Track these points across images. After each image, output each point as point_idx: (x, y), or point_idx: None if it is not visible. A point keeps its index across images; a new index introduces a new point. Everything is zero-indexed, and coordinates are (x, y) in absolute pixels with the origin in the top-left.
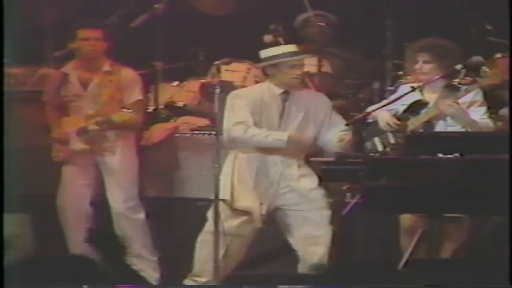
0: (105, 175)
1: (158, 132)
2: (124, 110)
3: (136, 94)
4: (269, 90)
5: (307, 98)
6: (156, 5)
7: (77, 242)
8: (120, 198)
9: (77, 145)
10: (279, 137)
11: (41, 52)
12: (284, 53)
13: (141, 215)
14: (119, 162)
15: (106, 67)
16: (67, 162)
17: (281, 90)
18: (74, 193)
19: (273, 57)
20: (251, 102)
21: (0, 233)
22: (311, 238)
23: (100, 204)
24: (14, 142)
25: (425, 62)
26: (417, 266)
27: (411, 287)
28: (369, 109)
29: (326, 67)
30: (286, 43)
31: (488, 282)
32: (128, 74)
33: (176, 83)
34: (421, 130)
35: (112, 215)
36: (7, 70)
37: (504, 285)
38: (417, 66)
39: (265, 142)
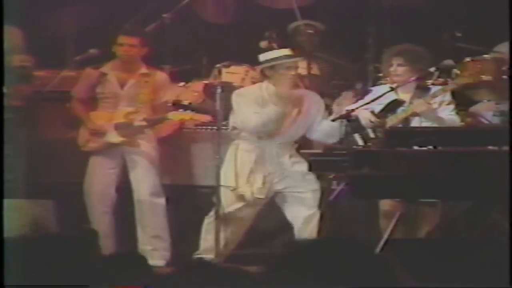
0: (131, 164)
1: (166, 127)
2: (180, 110)
3: (168, 95)
4: (267, 89)
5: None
6: (164, 15)
7: (102, 225)
8: (146, 184)
9: (115, 137)
10: None
11: (63, 57)
12: (280, 56)
13: (163, 200)
14: (145, 152)
15: (143, 69)
16: (97, 151)
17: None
18: (101, 180)
19: (271, 60)
20: (253, 99)
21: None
22: (305, 216)
23: (123, 190)
24: (39, 135)
25: (399, 65)
26: (395, 245)
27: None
28: (351, 107)
29: (315, 70)
30: (280, 48)
31: (488, 282)
32: (162, 77)
33: (182, 83)
34: (398, 126)
35: (135, 200)
36: (35, 72)
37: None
38: (391, 69)
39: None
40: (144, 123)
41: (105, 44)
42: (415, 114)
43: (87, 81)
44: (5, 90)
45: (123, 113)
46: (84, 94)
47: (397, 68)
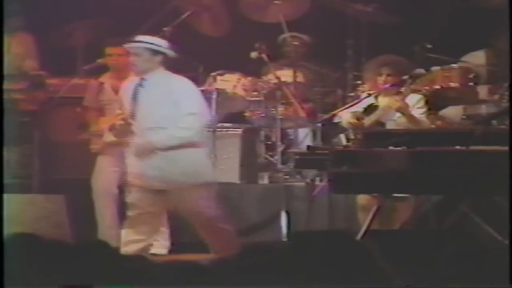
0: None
1: None
2: None
3: None
4: None
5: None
6: (164, 28)
7: (105, 217)
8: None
9: (108, 138)
10: None
11: (74, 66)
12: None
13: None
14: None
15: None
16: (101, 152)
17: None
18: (106, 178)
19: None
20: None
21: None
22: None
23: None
24: (52, 137)
25: (388, 75)
26: (372, 236)
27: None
28: (335, 111)
29: (300, 78)
30: (269, 59)
31: (488, 282)
32: None
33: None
34: (375, 128)
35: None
36: (48, 80)
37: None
38: (382, 78)
39: None
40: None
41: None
42: (387, 115)
43: (92, 91)
44: (19, 95)
45: (114, 116)
46: (90, 102)
47: (387, 78)
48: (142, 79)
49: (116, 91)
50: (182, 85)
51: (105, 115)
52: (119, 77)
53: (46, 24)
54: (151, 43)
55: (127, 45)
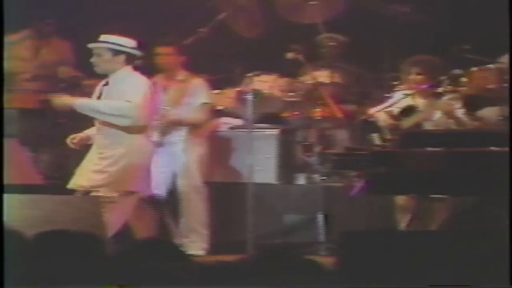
0: (177, 161)
1: (206, 128)
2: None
3: (203, 98)
4: None
5: None
6: (201, 29)
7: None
8: (189, 180)
9: (156, 137)
10: None
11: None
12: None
13: (203, 195)
14: (190, 150)
15: (181, 76)
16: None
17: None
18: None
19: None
20: None
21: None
22: None
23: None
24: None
25: (417, 74)
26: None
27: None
28: (371, 111)
29: (337, 78)
30: (306, 59)
31: (488, 282)
32: (198, 81)
33: (217, 91)
34: (413, 128)
35: (181, 196)
36: (84, 82)
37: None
38: (411, 77)
39: None
40: (178, 124)
41: (149, 56)
42: (427, 118)
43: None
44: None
45: (162, 115)
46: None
47: (416, 77)
48: (105, 80)
49: (165, 90)
50: (133, 79)
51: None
52: (168, 76)
53: (82, 26)
54: (112, 43)
55: (90, 45)
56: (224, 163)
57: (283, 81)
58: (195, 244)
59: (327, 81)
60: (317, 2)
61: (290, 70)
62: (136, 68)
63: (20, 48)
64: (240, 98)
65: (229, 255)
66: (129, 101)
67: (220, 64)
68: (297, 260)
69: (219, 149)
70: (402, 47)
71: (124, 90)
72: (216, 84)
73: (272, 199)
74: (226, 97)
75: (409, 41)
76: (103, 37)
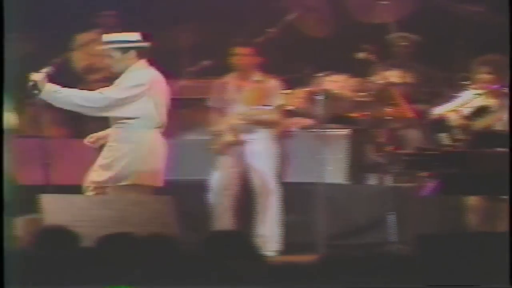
0: (251, 161)
1: (278, 128)
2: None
3: (278, 99)
4: None
5: None
6: (269, 30)
7: (225, 217)
8: (263, 181)
9: (228, 137)
10: None
11: (181, 68)
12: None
13: (278, 195)
14: (263, 150)
15: (257, 77)
16: (221, 152)
17: None
18: (226, 178)
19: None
20: None
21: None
22: None
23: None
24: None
25: (487, 73)
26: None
27: None
28: (441, 110)
29: (408, 78)
30: (377, 59)
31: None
32: (274, 83)
33: (287, 91)
34: (484, 128)
35: (254, 195)
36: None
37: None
38: (481, 77)
39: None
40: (244, 123)
41: (218, 56)
42: (501, 117)
43: (215, 92)
44: None
45: (235, 116)
46: (215, 103)
47: (486, 76)
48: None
49: (239, 90)
50: (132, 73)
51: (226, 114)
52: (243, 77)
53: (154, 26)
54: (119, 41)
55: (100, 47)
56: (295, 163)
57: (353, 81)
58: (268, 244)
59: (398, 81)
60: (388, 1)
61: (360, 70)
62: (151, 63)
63: (91, 48)
64: (311, 98)
65: (300, 255)
66: (100, 93)
67: (289, 64)
68: (368, 260)
69: (290, 149)
70: (473, 47)
71: (118, 82)
72: (286, 84)
73: (343, 199)
74: (296, 97)
75: (480, 41)
76: (106, 38)
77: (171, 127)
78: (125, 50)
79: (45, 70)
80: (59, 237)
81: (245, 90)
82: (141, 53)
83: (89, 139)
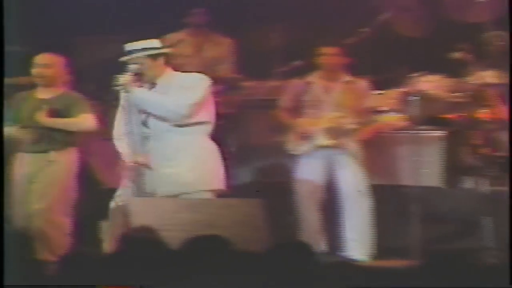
0: (339, 164)
1: (365, 131)
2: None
3: (370, 102)
4: None
5: None
6: (362, 29)
7: (311, 221)
8: (353, 183)
9: (325, 141)
10: None
11: (270, 68)
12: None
13: (368, 198)
14: (352, 153)
15: (346, 77)
16: (305, 154)
17: None
18: (310, 180)
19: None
20: None
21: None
22: None
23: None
24: (248, 140)
25: None
26: None
27: None
28: None
29: (505, 79)
30: (472, 59)
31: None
32: (364, 84)
33: (380, 91)
34: None
35: (342, 199)
36: (244, 83)
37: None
38: None
39: None
40: (353, 126)
41: (308, 56)
42: None
43: (293, 91)
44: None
45: (330, 118)
46: (290, 103)
47: None
48: (152, 84)
49: (327, 92)
50: (189, 79)
51: (307, 116)
52: (329, 77)
53: (243, 26)
54: (146, 48)
55: (124, 59)
56: (388, 165)
57: (448, 82)
58: (359, 249)
59: (494, 81)
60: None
61: (456, 70)
62: (175, 69)
63: (181, 47)
64: (404, 99)
65: (393, 260)
66: (185, 98)
67: (382, 65)
68: (465, 266)
69: (383, 151)
70: None
71: (186, 89)
72: (378, 85)
73: (438, 202)
74: (389, 98)
75: None
76: (133, 45)
77: (260, 129)
78: (154, 57)
79: (132, 72)
80: (146, 239)
81: (335, 91)
82: (167, 59)
83: (137, 160)
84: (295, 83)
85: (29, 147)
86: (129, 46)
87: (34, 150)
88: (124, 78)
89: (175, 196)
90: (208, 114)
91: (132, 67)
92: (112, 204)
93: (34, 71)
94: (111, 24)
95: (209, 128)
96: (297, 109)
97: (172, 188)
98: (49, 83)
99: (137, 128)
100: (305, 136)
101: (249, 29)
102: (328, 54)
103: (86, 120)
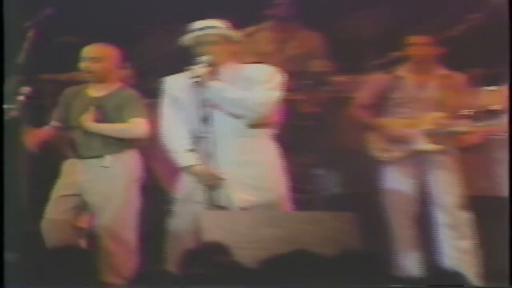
0: (435, 172)
1: (473, 134)
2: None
3: (478, 98)
4: None
5: None
6: (470, 16)
7: (404, 238)
8: (450, 194)
9: (427, 145)
10: None
11: (362, 61)
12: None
13: (467, 211)
14: (449, 160)
15: (441, 71)
16: (395, 161)
17: None
18: (403, 191)
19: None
20: None
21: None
22: None
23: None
24: (338, 143)
25: None
26: None
27: None
28: None
29: None
30: None
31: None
32: (463, 79)
33: (491, 88)
34: None
35: (438, 211)
36: (333, 78)
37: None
38: None
39: None
40: (459, 129)
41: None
42: None
43: (376, 87)
44: (299, 96)
45: (431, 119)
46: (370, 100)
47: None
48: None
49: (420, 87)
50: (262, 70)
51: (395, 115)
52: (421, 70)
53: (329, 16)
54: (212, 27)
55: (197, 33)
56: (493, 174)
57: None
58: (465, 266)
59: None
60: None
61: None
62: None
63: (260, 42)
64: None
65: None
66: (265, 96)
67: (492, 56)
68: None
69: (488, 157)
70: None
71: (260, 83)
72: (488, 80)
73: None
74: (503, 96)
75: None
76: (209, 23)
77: (349, 130)
78: (228, 39)
79: (206, 63)
80: (219, 258)
81: (429, 87)
82: (237, 48)
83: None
84: (379, 78)
85: (79, 151)
86: (206, 24)
87: (85, 155)
88: (200, 70)
89: (251, 208)
90: (277, 115)
91: (204, 58)
92: (179, 217)
93: (82, 65)
94: (176, 12)
95: (275, 130)
96: (378, 107)
97: (246, 197)
98: (100, 79)
99: (194, 126)
100: (397, 140)
101: (337, 18)
102: (418, 44)
103: (137, 126)
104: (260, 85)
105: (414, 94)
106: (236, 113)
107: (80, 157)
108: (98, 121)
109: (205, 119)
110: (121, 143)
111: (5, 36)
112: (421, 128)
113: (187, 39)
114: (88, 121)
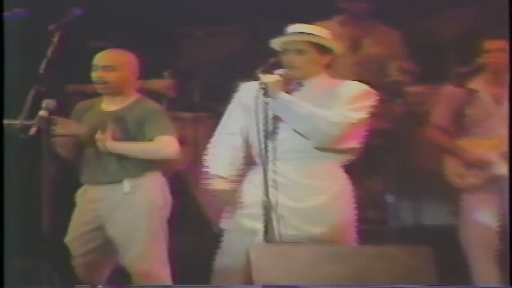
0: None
1: None
2: None
3: None
4: None
5: None
6: None
7: (486, 276)
8: None
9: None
10: None
11: (444, 69)
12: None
13: None
14: None
15: None
16: (473, 188)
17: None
18: (480, 223)
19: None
20: None
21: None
22: None
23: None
24: (411, 165)
25: None
26: None
27: None
28: None
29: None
30: None
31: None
32: None
33: None
34: None
35: None
36: (408, 88)
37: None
38: None
39: None
40: None
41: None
42: None
43: (450, 102)
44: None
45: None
46: (446, 118)
47: None
48: (298, 83)
49: (498, 102)
50: (354, 88)
51: (472, 135)
52: (497, 82)
53: (411, 15)
54: (321, 37)
55: (283, 39)
56: None
57: None
58: None
59: None
60: None
61: None
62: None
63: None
64: None
65: None
66: (344, 116)
67: None
68: None
69: None
70: None
71: (344, 101)
72: None
73: None
74: None
75: None
76: (302, 28)
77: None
78: (323, 50)
79: (280, 72)
80: None
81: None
82: (331, 61)
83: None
84: (452, 92)
85: (93, 176)
86: (301, 28)
87: (101, 180)
88: (268, 78)
89: (312, 242)
90: (357, 140)
91: (280, 70)
92: (226, 252)
93: (94, 75)
94: (223, 11)
95: (349, 157)
96: (455, 126)
97: (305, 229)
98: (115, 91)
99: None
100: (475, 164)
101: (415, 19)
102: (495, 50)
103: (168, 145)
104: (345, 103)
105: (490, 110)
106: (302, 131)
107: (95, 182)
108: (116, 139)
109: (270, 133)
110: (141, 166)
111: (26, 44)
112: (500, 150)
113: (275, 43)
114: (108, 140)
